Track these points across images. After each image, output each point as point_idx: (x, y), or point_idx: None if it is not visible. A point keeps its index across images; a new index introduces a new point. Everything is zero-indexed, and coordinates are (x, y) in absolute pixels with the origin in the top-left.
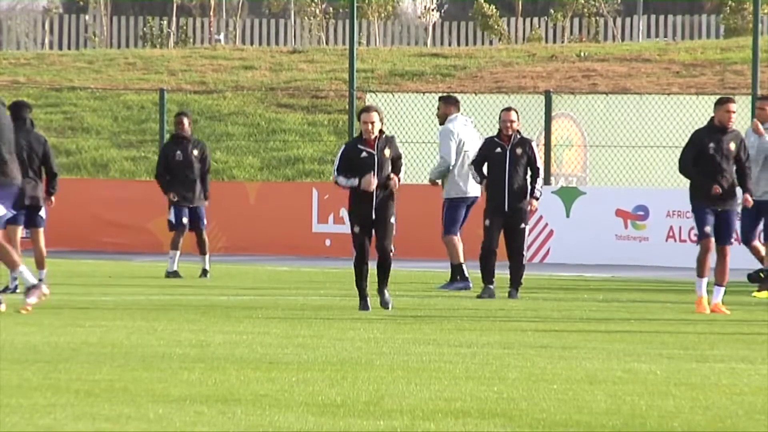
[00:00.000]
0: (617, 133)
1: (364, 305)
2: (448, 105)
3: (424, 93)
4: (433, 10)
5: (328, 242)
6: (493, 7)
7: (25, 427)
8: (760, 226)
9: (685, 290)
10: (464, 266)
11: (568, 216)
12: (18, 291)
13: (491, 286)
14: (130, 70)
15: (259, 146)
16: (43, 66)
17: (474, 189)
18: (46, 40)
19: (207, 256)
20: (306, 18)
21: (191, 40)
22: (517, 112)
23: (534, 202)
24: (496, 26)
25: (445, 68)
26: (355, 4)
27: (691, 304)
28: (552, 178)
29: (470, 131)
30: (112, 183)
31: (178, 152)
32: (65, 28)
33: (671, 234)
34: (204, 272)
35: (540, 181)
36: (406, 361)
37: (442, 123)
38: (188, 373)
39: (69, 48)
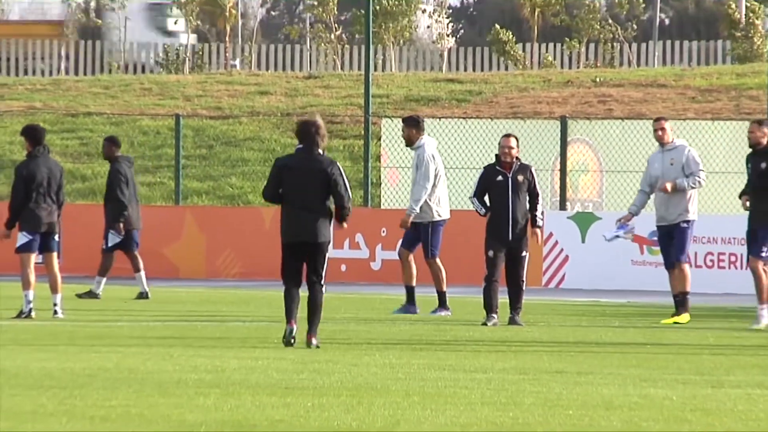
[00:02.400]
0: (633, 159)
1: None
2: (410, 126)
3: (439, 118)
4: (448, 35)
5: (343, 267)
6: (510, 32)
7: None
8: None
9: (701, 315)
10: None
11: (583, 241)
12: (33, 315)
13: (494, 316)
14: (146, 96)
15: None
16: (59, 91)
17: (446, 211)
18: (62, 66)
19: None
20: (321, 44)
21: (207, 66)
22: (516, 139)
23: (537, 231)
24: (512, 52)
25: (460, 93)
26: (371, 30)
27: (708, 329)
28: (568, 204)
29: (436, 152)
30: None
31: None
32: (81, 53)
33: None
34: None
35: (540, 207)
36: (422, 386)
37: (408, 145)
38: (204, 399)
39: (85, 74)
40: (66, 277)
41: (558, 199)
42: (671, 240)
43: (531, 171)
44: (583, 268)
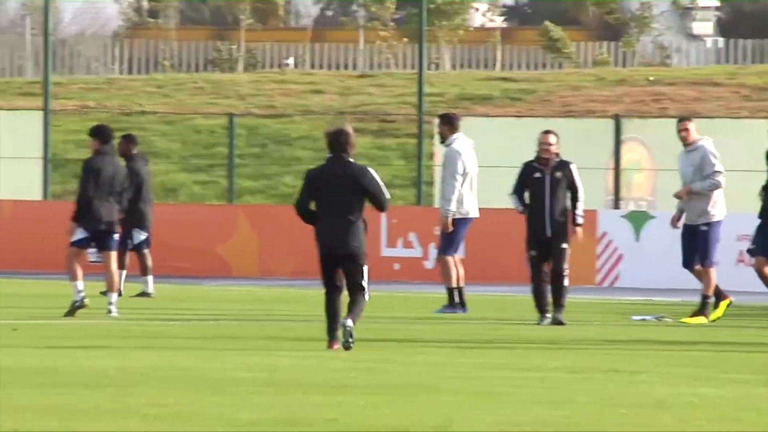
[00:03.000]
0: None
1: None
2: (444, 124)
3: (493, 117)
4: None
5: (396, 266)
6: (560, 29)
7: None
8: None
9: (755, 314)
10: (457, 291)
11: (637, 240)
12: (86, 302)
13: (547, 315)
14: (199, 95)
15: None
16: (112, 90)
17: (474, 209)
18: (116, 65)
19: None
20: (375, 42)
21: (260, 65)
22: (556, 135)
23: (578, 229)
24: (563, 49)
25: (514, 92)
26: (425, 29)
27: (763, 328)
28: (621, 203)
29: (471, 152)
30: (181, 207)
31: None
32: (135, 52)
33: (741, 258)
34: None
35: (581, 204)
36: (474, 385)
37: (442, 142)
38: (257, 398)
39: (138, 72)
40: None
41: (612, 197)
42: (692, 240)
43: (570, 167)
44: (636, 266)
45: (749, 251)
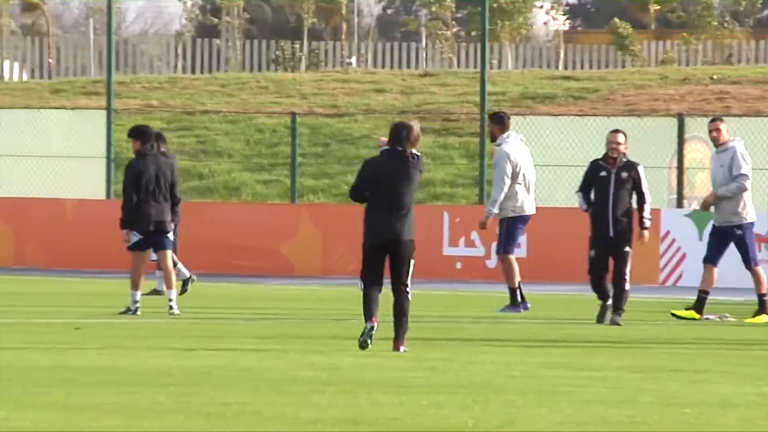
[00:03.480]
0: (751, 156)
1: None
2: (495, 123)
3: (556, 116)
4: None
5: (458, 265)
6: (629, 26)
7: None
8: None
9: None
10: (520, 289)
11: (700, 239)
12: (139, 314)
13: (608, 303)
14: (262, 94)
15: None
16: (175, 90)
17: (530, 207)
18: (179, 64)
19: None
20: (437, 41)
21: (323, 64)
22: (625, 135)
23: (644, 232)
24: (630, 46)
25: (576, 91)
26: (487, 28)
27: None
28: (685, 201)
29: (524, 149)
30: (244, 206)
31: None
32: (198, 51)
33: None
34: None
35: (647, 207)
36: (538, 384)
37: (493, 141)
38: (319, 397)
39: (201, 72)
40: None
41: (675, 196)
42: (719, 239)
43: (637, 169)
44: (700, 266)
45: None
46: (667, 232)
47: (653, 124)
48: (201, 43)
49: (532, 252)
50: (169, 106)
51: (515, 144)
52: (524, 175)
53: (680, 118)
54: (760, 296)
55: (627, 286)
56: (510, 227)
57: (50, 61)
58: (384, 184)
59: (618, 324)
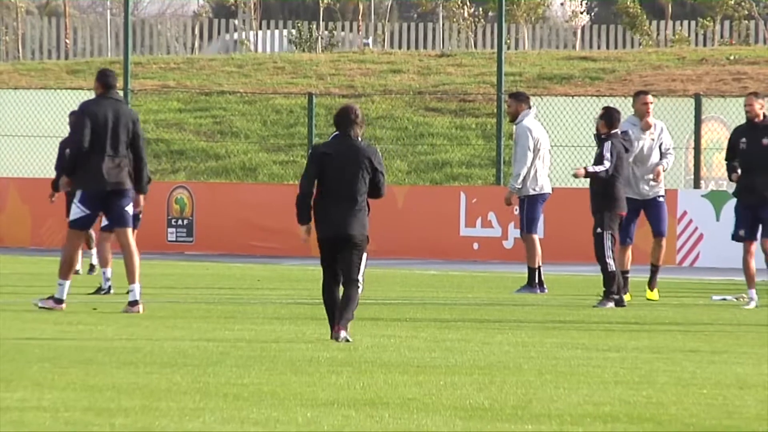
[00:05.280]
0: None
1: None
2: (519, 102)
3: (573, 96)
4: (582, 13)
5: (475, 246)
6: (638, 7)
7: (175, 429)
8: None
9: None
10: (539, 272)
11: (718, 220)
12: (112, 292)
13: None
14: (279, 75)
15: (406, 150)
16: (192, 70)
17: (548, 185)
18: (196, 45)
19: (92, 251)
20: (454, 22)
21: (340, 44)
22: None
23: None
24: (642, 26)
25: (593, 71)
26: (504, 8)
27: None
28: (702, 182)
29: (541, 128)
30: (260, 187)
31: (68, 150)
32: (215, 32)
33: None
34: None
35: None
36: (555, 365)
37: (512, 120)
38: (336, 377)
39: (218, 52)
40: (202, 255)
41: (692, 177)
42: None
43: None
44: (717, 246)
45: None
46: (684, 213)
47: (670, 104)
48: (218, 24)
49: (549, 232)
50: (186, 87)
51: (534, 122)
52: (543, 155)
53: (697, 99)
54: None
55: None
56: (531, 206)
57: (67, 41)
58: (337, 172)
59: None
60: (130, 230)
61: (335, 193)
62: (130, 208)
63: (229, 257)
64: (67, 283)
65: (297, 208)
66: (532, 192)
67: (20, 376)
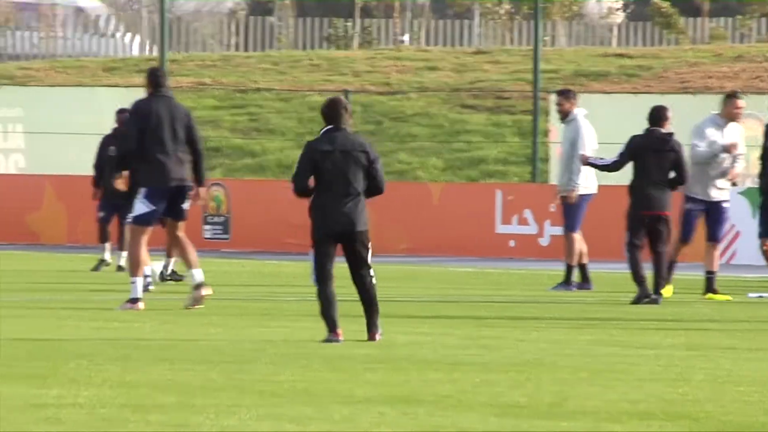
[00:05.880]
0: None
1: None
2: (569, 99)
3: (609, 93)
4: (618, 10)
5: (512, 243)
6: (669, 4)
7: (210, 427)
8: None
9: None
10: (579, 268)
11: (754, 217)
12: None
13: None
14: (314, 72)
15: (442, 147)
16: (228, 67)
17: (595, 185)
18: (232, 42)
19: (124, 253)
20: (490, 18)
21: (376, 42)
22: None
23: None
24: (675, 25)
25: (630, 68)
26: (540, 5)
27: None
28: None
29: (591, 127)
30: None
31: (112, 147)
32: (251, 29)
33: None
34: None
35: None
36: (590, 362)
37: (563, 119)
38: (371, 374)
39: (254, 49)
40: (238, 253)
41: None
42: None
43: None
44: (754, 243)
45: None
46: None
47: (707, 101)
48: (254, 21)
49: (587, 231)
50: (221, 84)
51: (584, 120)
52: (590, 153)
53: None
54: None
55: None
56: (576, 204)
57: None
58: (335, 167)
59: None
60: (184, 224)
61: (337, 188)
62: (187, 203)
63: (265, 254)
64: (138, 280)
65: (309, 209)
66: (581, 191)
67: (56, 373)
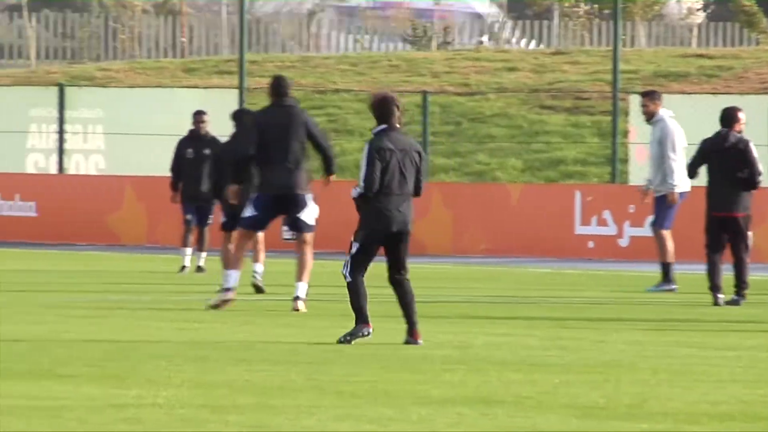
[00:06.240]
0: None
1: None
2: (655, 100)
3: (689, 94)
4: (698, 10)
5: (591, 244)
6: (753, 3)
7: (289, 428)
8: None
9: None
10: (672, 267)
11: None
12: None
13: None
14: (393, 73)
15: (521, 148)
16: (307, 68)
17: (685, 183)
18: (311, 43)
19: (203, 254)
20: (569, 19)
21: (454, 43)
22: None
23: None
24: (759, 26)
25: (710, 69)
26: (619, 5)
27: None
28: None
29: (679, 126)
30: None
31: (190, 150)
32: (331, 29)
33: None
34: (198, 268)
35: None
36: (670, 364)
37: (649, 120)
38: (450, 375)
39: (333, 50)
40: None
41: None
42: None
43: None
44: None
45: None
46: None
47: None
48: (334, 22)
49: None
50: (300, 85)
51: (671, 120)
52: (680, 153)
53: None
54: None
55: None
56: (668, 203)
57: (183, 40)
58: (395, 168)
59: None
60: (308, 235)
61: (395, 188)
62: (305, 214)
63: (344, 255)
64: (234, 272)
65: (360, 208)
66: (675, 190)
67: (136, 374)
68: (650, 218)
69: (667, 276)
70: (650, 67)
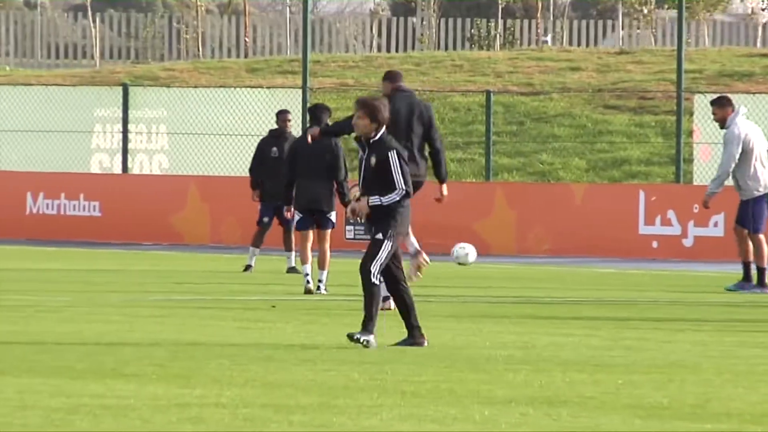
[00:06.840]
0: None
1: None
2: (723, 107)
3: (754, 94)
4: (763, 9)
5: (654, 244)
6: None
7: (352, 427)
8: None
9: None
10: (743, 266)
11: None
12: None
13: None
14: (456, 72)
15: (585, 148)
16: (371, 68)
17: (765, 186)
18: (375, 43)
19: (292, 254)
20: (634, 18)
21: (518, 42)
22: None
23: None
24: None
25: None
26: (684, 4)
27: None
28: None
29: (755, 128)
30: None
31: (274, 149)
32: (393, 30)
33: None
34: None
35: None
36: (734, 364)
37: (722, 126)
38: (513, 375)
39: (397, 50)
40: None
41: None
42: None
43: None
44: None
45: None
46: None
47: None
48: (396, 22)
49: (730, 231)
50: (364, 85)
51: (744, 122)
52: (760, 154)
53: None
54: None
55: None
56: (757, 206)
57: (246, 39)
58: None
59: None
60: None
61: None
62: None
63: (407, 255)
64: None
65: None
66: (756, 193)
67: (199, 373)
68: (720, 219)
69: (762, 279)
70: (715, 66)
